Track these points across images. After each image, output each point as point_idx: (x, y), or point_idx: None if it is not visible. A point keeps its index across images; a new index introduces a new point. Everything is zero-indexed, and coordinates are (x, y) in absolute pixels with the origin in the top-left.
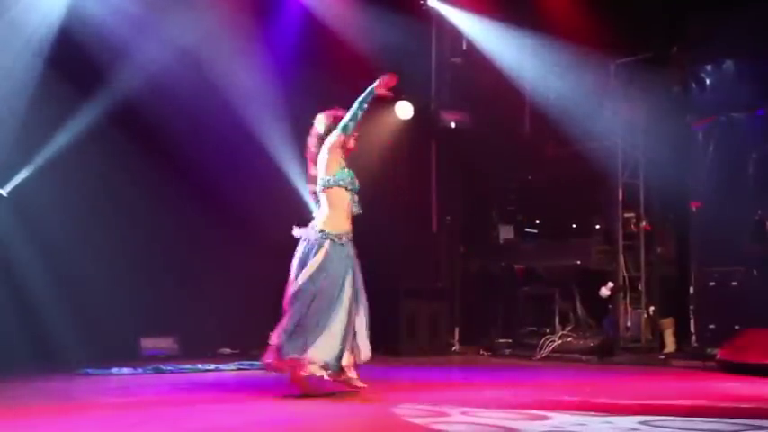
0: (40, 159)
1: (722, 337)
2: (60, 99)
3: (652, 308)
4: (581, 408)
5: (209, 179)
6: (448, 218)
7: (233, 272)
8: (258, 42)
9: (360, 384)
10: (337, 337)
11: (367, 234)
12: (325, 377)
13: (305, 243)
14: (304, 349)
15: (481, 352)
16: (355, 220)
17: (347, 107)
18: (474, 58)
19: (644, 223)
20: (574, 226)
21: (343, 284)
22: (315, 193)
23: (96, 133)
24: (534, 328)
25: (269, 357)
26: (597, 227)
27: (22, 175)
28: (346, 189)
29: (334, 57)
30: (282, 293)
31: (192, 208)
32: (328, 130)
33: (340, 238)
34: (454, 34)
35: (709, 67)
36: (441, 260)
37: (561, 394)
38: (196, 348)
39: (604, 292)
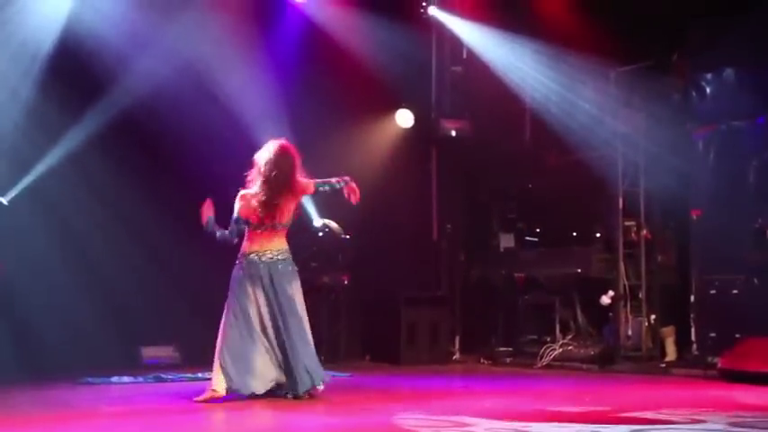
0: (40, 168)
1: (723, 345)
2: (61, 108)
3: (653, 316)
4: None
5: (209, 188)
6: (448, 226)
7: None
8: (260, 51)
9: None
10: None
11: (368, 243)
12: None
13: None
14: None
15: (482, 360)
16: (356, 228)
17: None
18: (474, 67)
19: (644, 231)
20: (574, 234)
21: None
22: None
23: (97, 142)
24: (535, 337)
25: None
26: (598, 235)
27: (23, 184)
28: None
29: (335, 66)
30: None
31: (193, 217)
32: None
33: None
34: (454, 43)
35: (709, 76)
36: (441, 268)
37: (562, 403)
38: (197, 357)
39: (605, 300)
